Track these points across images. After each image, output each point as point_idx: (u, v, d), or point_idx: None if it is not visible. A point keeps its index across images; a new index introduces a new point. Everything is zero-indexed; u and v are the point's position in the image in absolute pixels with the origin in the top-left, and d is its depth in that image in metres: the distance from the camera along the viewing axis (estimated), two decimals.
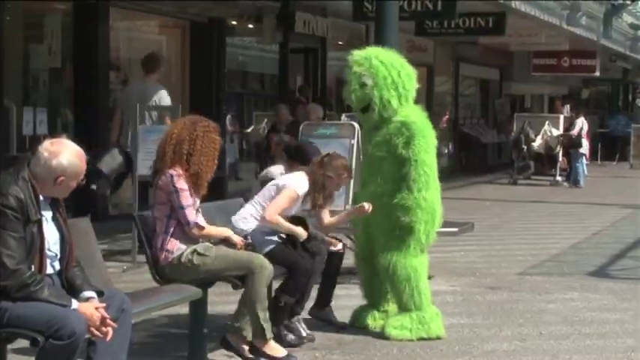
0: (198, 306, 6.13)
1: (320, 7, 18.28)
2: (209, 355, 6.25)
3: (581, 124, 22.21)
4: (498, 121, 28.83)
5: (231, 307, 7.61)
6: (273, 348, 6.13)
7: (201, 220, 5.99)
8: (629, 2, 24.94)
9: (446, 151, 26.46)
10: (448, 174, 24.85)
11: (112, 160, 10.00)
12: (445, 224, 10.51)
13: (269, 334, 6.09)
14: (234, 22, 16.58)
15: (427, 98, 25.16)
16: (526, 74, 28.81)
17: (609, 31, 25.37)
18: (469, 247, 11.45)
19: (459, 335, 7.04)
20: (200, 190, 5.95)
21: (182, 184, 5.85)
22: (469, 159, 27.17)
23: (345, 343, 6.78)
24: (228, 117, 16.68)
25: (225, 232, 6.23)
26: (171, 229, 5.92)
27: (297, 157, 7.62)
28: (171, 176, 5.86)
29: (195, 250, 5.93)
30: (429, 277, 9.39)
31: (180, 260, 5.91)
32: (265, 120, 15.59)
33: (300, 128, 13.24)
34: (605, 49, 28.14)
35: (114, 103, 11.89)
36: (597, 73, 28.68)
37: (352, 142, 12.94)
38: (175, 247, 5.94)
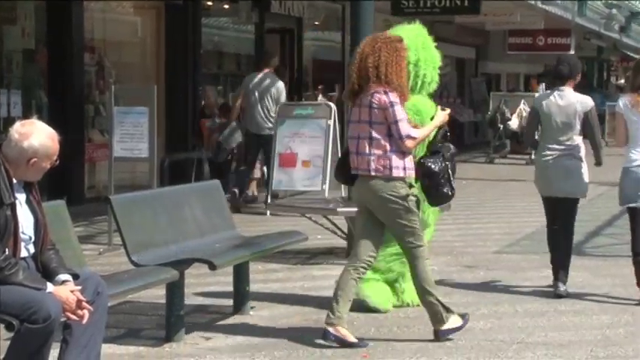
0: (175, 288, 6.14)
1: None
2: (186, 337, 6.25)
3: None
4: (475, 100, 28.89)
5: (208, 289, 7.66)
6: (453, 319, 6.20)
7: (413, 132, 6.02)
8: None
9: None
10: None
11: (229, 135, 12.81)
12: None
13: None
14: (209, 3, 16.52)
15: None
16: (502, 53, 28.84)
17: (584, 10, 25.44)
18: (446, 226, 11.45)
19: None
20: (404, 101, 6.04)
21: (394, 97, 5.94)
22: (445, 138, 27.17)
23: (322, 323, 6.78)
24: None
25: (433, 124, 6.31)
26: (394, 147, 5.96)
27: None
28: (385, 92, 5.93)
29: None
30: None
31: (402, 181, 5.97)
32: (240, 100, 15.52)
33: (277, 109, 13.24)
34: (579, 28, 28.20)
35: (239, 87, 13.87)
36: (572, 52, 28.70)
37: (329, 122, 12.99)
38: (401, 164, 5.98)
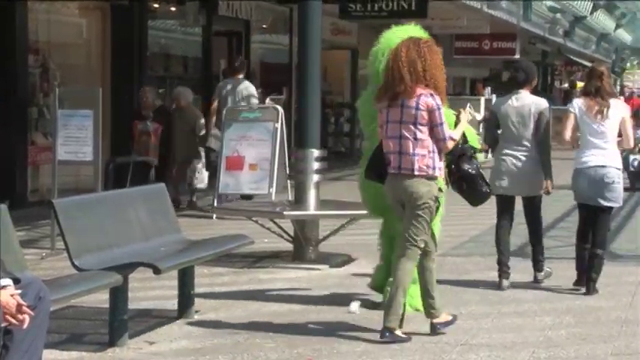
0: (119, 292, 6.09)
1: None
2: (130, 342, 6.21)
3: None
4: None
5: (153, 293, 7.61)
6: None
7: (453, 134, 6.36)
8: None
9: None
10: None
11: (216, 139, 13.01)
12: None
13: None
14: (156, 5, 16.42)
15: (351, 81, 25.26)
16: (448, 57, 29.02)
17: (529, 15, 25.70)
18: None
19: (380, 318, 7.07)
20: (444, 103, 6.31)
21: (439, 100, 6.23)
22: None
23: (267, 327, 6.78)
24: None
25: (463, 124, 6.59)
26: (434, 148, 6.25)
27: None
28: (431, 95, 6.20)
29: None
30: (353, 260, 9.53)
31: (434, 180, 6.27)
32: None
33: (224, 112, 13.19)
34: (524, 32, 28.50)
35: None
36: (517, 56, 29.00)
37: (276, 125, 12.98)
38: (439, 164, 6.30)
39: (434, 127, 6.23)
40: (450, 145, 6.33)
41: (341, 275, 8.81)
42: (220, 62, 18.92)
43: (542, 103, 8.15)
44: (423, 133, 6.22)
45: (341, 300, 7.66)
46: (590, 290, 7.87)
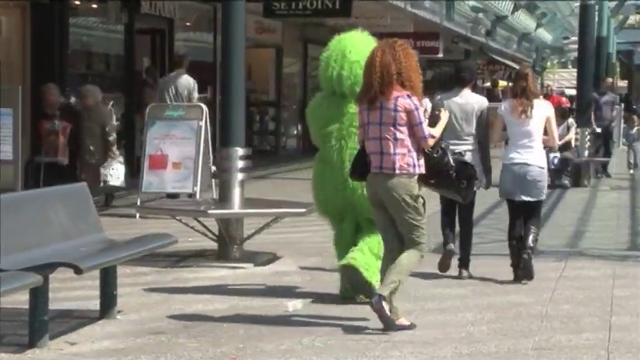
0: (39, 293, 6.00)
1: None
2: (50, 343, 6.12)
3: (425, 104, 22.66)
4: None
5: (74, 293, 7.51)
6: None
7: (432, 131, 6.56)
8: None
9: (295, 132, 26.60)
10: (297, 154, 25.01)
11: None
12: (293, 205, 10.65)
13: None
14: (77, 2, 16.20)
15: (276, 79, 25.25)
16: None
17: (451, 14, 25.94)
18: (317, 227, 11.50)
19: (304, 315, 7.10)
20: (420, 102, 6.54)
21: (417, 101, 6.45)
22: None
23: (190, 327, 6.75)
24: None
25: (443, 122, 6.87)
26: (416, 146, 6.46)
27: None
28: (408, 96, 6.41)
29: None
30: (278, 258, 9.53)
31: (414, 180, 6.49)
32: (112, 102, 15.30)
33: (147, 110, 13.09)
34: (447, 32, 28.75)
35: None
36: (440, 55, 29.30)
37: (200, 123, 12.92)
38: (419, 162, 6.49)
39: (413, 127, 6.44)
40: (431, 142, 6.53)
41: (266, 274, 8.80)
42: (143, 60, 18.75)
43: (484, 102, 8.69)
44: (403, 134, 6.43)
45: (266, 298, 7.66)
46: (530, 273, 8.28)
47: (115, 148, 12.74)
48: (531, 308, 7.31)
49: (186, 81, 13.85)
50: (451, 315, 7.11)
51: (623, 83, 48.81)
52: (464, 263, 8.58)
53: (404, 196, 6.45)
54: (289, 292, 7.92)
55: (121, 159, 12.92)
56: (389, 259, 6.59)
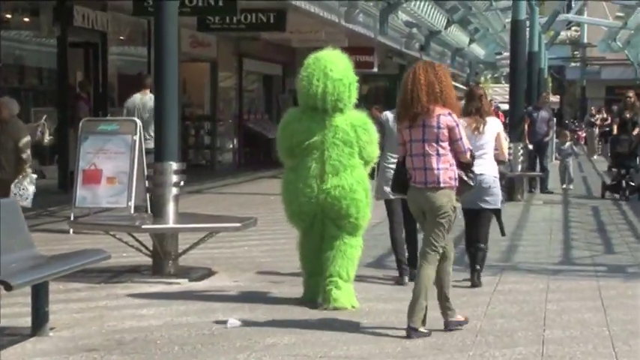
0: None
1: (100, 1, 17.92)
2: None
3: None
4: (282, 116, 29.12)
5: (5, 310, 7.37)
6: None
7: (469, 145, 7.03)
8: (403, 1, 25.73)
9: (231, 146, 26.54)
10: (233, 169, 24.95)
11: None
12: (228, 219, 10.61)
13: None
14: (8, 15, 16.01)
15: (211, 93, 25.18)
16: None
17: (385, 29, 26.12)
18: (253, 242, 11.53)
19: (240, 330, 7.06)
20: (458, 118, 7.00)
21: (456, 118, 6.87)
22: (254, 154, 27.35)
23: (124, 343, 6.67)
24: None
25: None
26: (454, 161, 6.86)
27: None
28: (449, 113, 6.81)
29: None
30: (213, 273, 9.47)
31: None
32: (45, 116, 15.13)
33: (80, 124, 12.95)
34: (382, 46, 28.96)
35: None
36: (375, 69, 29.49)
37: (134, 138, 12.81)
38: (457, 175, 6.90)
39: (454, 142, 6.87)
40: (469, 155, 6.98)
41: (201, 289, 8.74)
42: (77, 74, 18.59)
43: None
44: (445, 149, 6.84)
45: (201, 314, 7.60)
46: (475, 281, 8.83)
47: (28, 167, 12.17)
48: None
49: (153, 100, 13.82)
50: (386, 330, 7.10)
51: (555, 98, 49.49)
52: (410, 272, 8.85)
53: (446, 207, 6.84)
54: (225, 307, 7.88)
55: (34, 178, 12.31)
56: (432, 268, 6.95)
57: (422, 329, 6.82)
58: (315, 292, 7.93)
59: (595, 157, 33.05)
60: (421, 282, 6.82)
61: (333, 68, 7.71)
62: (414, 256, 8.67)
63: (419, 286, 6.81)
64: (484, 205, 8.84)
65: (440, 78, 6.86)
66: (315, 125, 7.77)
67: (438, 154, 6.82)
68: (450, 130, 6.84)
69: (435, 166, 6.81)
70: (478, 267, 8.88)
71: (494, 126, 9.01)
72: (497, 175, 8.97)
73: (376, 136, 7.97)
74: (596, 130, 35.41)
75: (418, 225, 8.08)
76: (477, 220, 8.93)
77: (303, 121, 7.82)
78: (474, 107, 8.99)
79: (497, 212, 9.03)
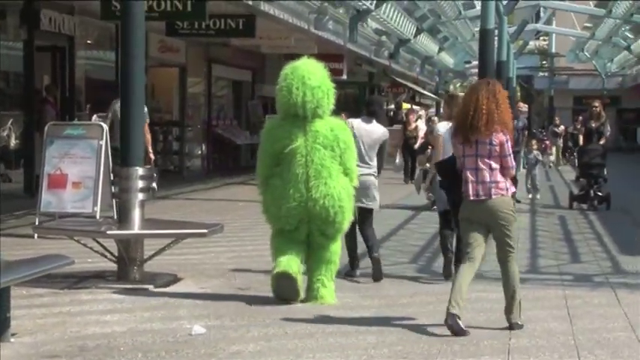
0: None
1: (67, 5, 17.78)
2: None
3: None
4: (251, 122, 29.09)
5: None
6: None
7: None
8: (372, 9, 25.77)
9: (199, 152, 26.43)
10: (202, 175, 24.84)
11: None
12: (195, 225, 10.54)
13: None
14: None
15: (180, 99, 25.07)
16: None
17: (355, 36, 26.15)
18: (220, 248, 11.47)
19: (205, 338, 7.00)
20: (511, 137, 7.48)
21: (508, 135, 7.35)
22: (222, 160, 27.25)
23: (87, 350, 6.59)
24: None
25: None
26: (503, 174, 7.33)
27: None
28: (502, 132, 7.29)
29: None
30: (179, 279, 9.40)
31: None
32: (11, 120, 15.02)
33: (46, 129, 12.82)
34: (351, 53, 28.99)
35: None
36: (344, 77, 29.50)
37: (100, 142, 12.69)
38: (510, 186, 7.40)
39: (503, 157, 7.31)
40: (513, 172, 7.50)
41: (166, 295, 8.65)
42: (43, 78, 18.43)
43: (387, 133, 9.93)
44: (497, 164, 7.29)
45: (166, 321, 7.53)
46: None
47: None
48: (432, 331, 7.31)
49: None
50: (352, 338, 7.07)
51: (524, 108, 49.74)
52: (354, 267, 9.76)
53: (507, 213, 7.35)
54: (190, 314, 7.81)
55: None
56: (470, 273, 7.41)
57: (519, 322, 7.44)
58: (287, 266, 8.11)
59: (560, 167, 33.14)
60: (513, 279, 7.44)
61: (311, 77, 8.11)
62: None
63: (512, 284, 7.43)
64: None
65: (499, 104, 7.30)
66: (297, 130, 8.13)
67: (491, 169, 7.29)
68: (501, 146, 7.30)
69: (487, 179, 7.28)
70: (450, 255, 9.57)
71: None
72: None
73: (353, 143, 8.41)
74: (560, 140, 35.58)
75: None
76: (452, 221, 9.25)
77: (284, 128, 8.18)
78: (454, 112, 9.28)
79: None
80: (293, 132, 8.13)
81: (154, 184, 16.40)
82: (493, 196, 7.27)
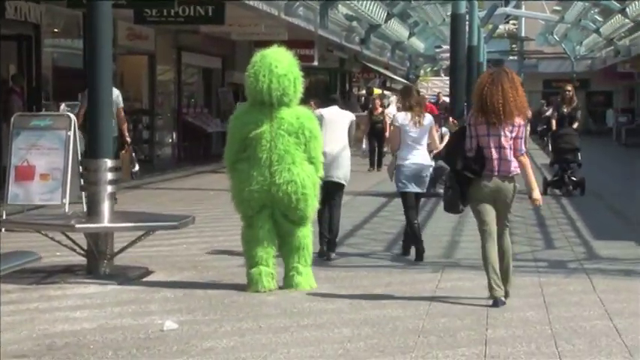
0: None
1: None
2: None
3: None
4: (222, 110, 28.89)
5: None
6: None
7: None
8: None
9: (170, 140, 26.21)
10: (172, 163, 24.64)
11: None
12: (165, 217, 10.38)
13: None
14: None
15: (149, 87, 24.82)
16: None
17: (326, 22, 26.00)
18: (192, 239, 11.31)
19: (177, 334, 6.86)
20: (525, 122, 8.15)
21: (524, 119, 8.00)
22: (193, 148, 27.05)
23: (55, 348, 6.43)
24: None
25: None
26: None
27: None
28: (518, 115, 7.91)
29: None
30: (150, 272, 9.24)
31: None
32: None
33: (12, 120, 12.60)
34: (322, 40, 28.83)
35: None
36: (316, 63, 29.34)
37: (68, 133, 12.48)
38: None
39: (516, 139, 7.92)
40: (523, 158, 7.99)
41: (137, 290, 8.49)
42: (9, 67, 18.16)
43: (352, 116, 10.66)
44: (514, 145, 7.92)
45: (137, 316, 7.38)
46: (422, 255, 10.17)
47: None
48: (408, 322, 7.21)
49: (116, 95, 14.17)
50: (327, 331, 6.95)
51: None
52: (331, 248, 10.21)
53: (516, 189, 7.99)
54: (162, 309, 7.67)
55: None
56: (495, 249, 7.85)
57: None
58: (259, 282, 8.29)
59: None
60: (508, 249, 7.98)
61: (278, 65, 8.26)
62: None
63: (508, 254, 7.94)
64: (419, 190, 10.31)
65: (518, 92, 7.91)
66: (263, 117, 8.29)
67: (511, 148, 7.89)
68: (519, 128, 7.92)
69: (509, 157, 7.87)
70: (416, 224, 10.31)
71: (429, 120, 10.32)
72: (432, 164, 10.65)
73: (319, 132, 8.53)
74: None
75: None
76: (413, 202, 10.33)
77: (252, 114, 8.36)
78: (412, 102, 10.25)
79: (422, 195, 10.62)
80: (259, 118, 8.29)
81: (137, 167, 16.72)
82: (512, 174, 7.91)
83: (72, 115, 12.63)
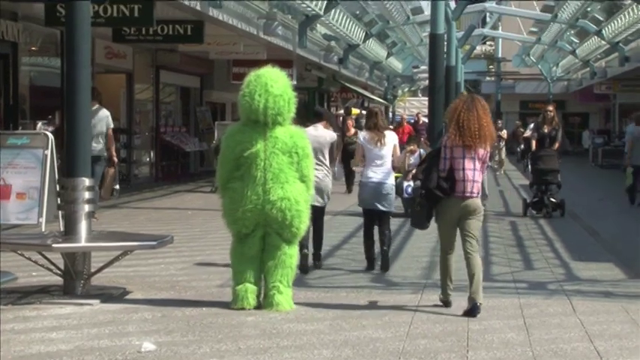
0: None
1: (10, 10, 17.39)
2: None
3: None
4: (200, 129, 28.80)
5: None
6: None
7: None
8: (321, 14, 25.64)
9: (147, 159, 26.09)
10: (150, 183, 24.52)
11: None
12: (143, 237, 10.29)
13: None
14: None
15: (127, 105, 24.71)
16: (226, 82, 28.98)
17: (304, 42, 26.00)
18: (169, 259, 11.23)
19: (155, 355, 6.78)
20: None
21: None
22: (171, 167, 26.94)
23: None
24: None
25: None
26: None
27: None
28: (492, 142, 8.55)
29: None
30: (128, 293, 9.15)
31: None
32: None
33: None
34: (301, 59, 28.83)
35: None
36: (294, 82, 29.24)
37: (45, 152, 12.37)
38: None
39: (484, 162, 8.52)
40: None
41: (115, 310, 8.40)
42: None
43: (334, 135, 10.99)
44: (481, 168, 8.48)
45: (114, 338, 7.29)
46: (387, 265, 10.74)
47: None
48: (388, 344, 7.16)
49: (104, 113, 15.40)
50: (307, 352, 6.89)
51: None
52: (318, 258, 10.85)
53: (482, 209, 8.58)
54: (140, 330, 7.58)
55: None
56: (448, 264, 8.45)
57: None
58: (244, 300, 8.32)
59: (502, 171, 32.55)
60: (478, 267, 8.31)
61: (274, 85, 8.34)
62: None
63: (478, 272, 8.26)
64: (382, 208, 10.68)
65: (489, 117, 8.49)
66: (257, 136, 8.36)
67: (480, 171, 8.45)
68: (487, 153, 8.51)
69: (478, 179, 8.41)
70: (385, 247, 10.72)
71: (392, 139, 10.80)
72: (394, 183, 10.91)
73: (311, 151, 8.64)
74: (502, 144, 35.36)
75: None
76: (376, 219, 10.76)
77: (245, 133, 8.40)
78: (372, 123, 10.74)
79: (391, 214, 10.97)
80: (253, 137, 8.34)
81: (117, 186, 16.95)
82: (475, 195, 8.40)
83: (49, 134, 12.52)
